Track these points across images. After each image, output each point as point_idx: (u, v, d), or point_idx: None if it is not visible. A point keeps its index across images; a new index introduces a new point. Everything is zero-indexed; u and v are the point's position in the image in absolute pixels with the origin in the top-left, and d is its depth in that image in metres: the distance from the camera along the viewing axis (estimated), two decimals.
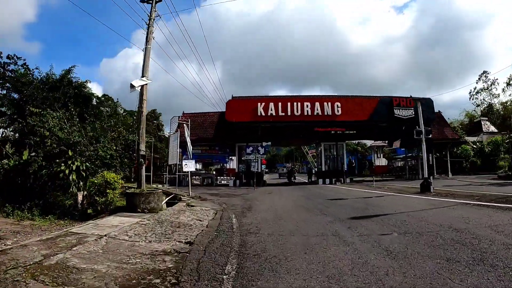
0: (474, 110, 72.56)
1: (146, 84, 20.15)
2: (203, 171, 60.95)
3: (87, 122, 22.24)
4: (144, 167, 19.01)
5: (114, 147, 19.93)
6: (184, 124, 22.53)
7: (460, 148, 49.24)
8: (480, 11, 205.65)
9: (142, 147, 18.97)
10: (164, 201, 17.20)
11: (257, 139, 36.48)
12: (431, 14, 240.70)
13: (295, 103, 36.03)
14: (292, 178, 47.72)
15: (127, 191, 15.78)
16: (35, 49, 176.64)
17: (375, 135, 43.21)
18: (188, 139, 22.36)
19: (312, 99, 37.02)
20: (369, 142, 70.73)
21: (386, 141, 58.23)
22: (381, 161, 66.13)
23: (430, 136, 39.58)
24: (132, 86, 19.45)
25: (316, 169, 47.27)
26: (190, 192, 21.04)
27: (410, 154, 64.06)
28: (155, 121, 58.44)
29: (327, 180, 37.03)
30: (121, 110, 51.14)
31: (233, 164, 70.83)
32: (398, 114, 36.61)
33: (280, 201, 18.36)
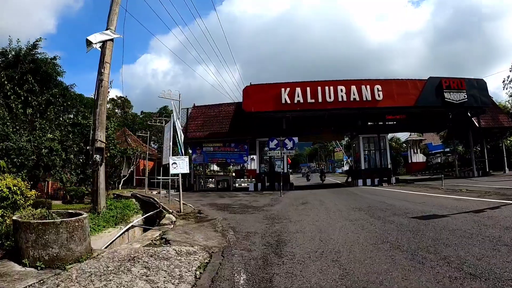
0: (508, 101, 62.32)
1: (111, 40, 12.41)
2: (221, 173, 53.49)
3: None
4: (102, 169, 11.09)
5: (60, 137, 11.90)
6: (172, 102, 14.11)
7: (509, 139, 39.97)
8: (498, 1, 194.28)
9: (101, 136, 11.30)
10: (117, 235, 9.11)
11: (281, 133, 28.48)
12: (448, 6, 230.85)
13: (326, 88, 28.64)
14: (323, 177, 46.69)
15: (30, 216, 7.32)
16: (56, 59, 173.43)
17: (421, 124, 34.30)
18: (177, 124, 14.17)
19: (347, 81, 29.29)
20: (403, 136, 62.79)
21: (421, 133, 51.87)
22: (418, 157, 57.33)
23: (484, 124, 32.13)
24: (88, 44, 12.03)
25: (351, 167, 39.08)
26: (182, 206, 13.41)
27: (448, 149, 56.18)
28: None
29: (368, 181, 29.36)
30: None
31: (254, 164, 63.39)
32: (449, 98, 29.13)
33: (330, 223, 10.02)
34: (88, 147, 11.90)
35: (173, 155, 14.02)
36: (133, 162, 30.09)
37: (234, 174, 47.27)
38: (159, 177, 20.56)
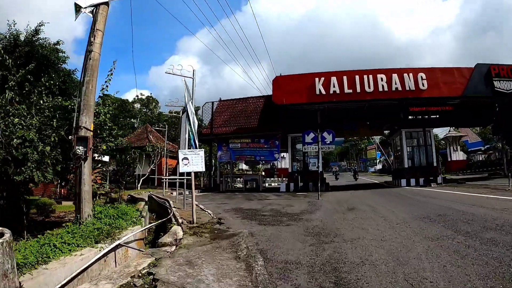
0: None
1: (106, 4, 9.39)
2: (249, 172, 50.21)
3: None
4: (87, 165, 8.13)
5: (39, 124, 8.93)
6: (184, 80, 10.89)
7: None
8: None
9: (86, 121, 8.36)
10: (92, 260, 5.87)
11: (314, 128, 25.34)
12: None
13: (365, 77, 25.09)
14: (356, 176, 46.96)
15: None
16: None
17: (467, 117, 30.24)
18: (189, 107, 10.88)
19: (388, 70, 25.75)
20: (441, 132, 58.41)
21: (461, 128, 48.67)
22: (458, 155, 52.88)
23: None
24: (78, 9, 8.99)
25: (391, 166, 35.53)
26: (195, 215, 10.10)
27: (488, 146, 52.27)
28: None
29: (412, 181, 25.68)
30: None
31: (285, 162, 59.97)
32: (499, 88, 25.03)
33: (405, 244, 6.81)
34: (70, 137, 8.82)
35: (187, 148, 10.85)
36: (154, 160, 27.16)
37: (263, 173, 44.02)
38: (175, 177, 17.57)
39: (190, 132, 10.50)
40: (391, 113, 26.97)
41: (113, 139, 11.10)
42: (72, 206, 16.33)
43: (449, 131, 52.33)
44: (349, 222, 9.52)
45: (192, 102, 11.06)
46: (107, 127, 10.52)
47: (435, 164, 27.19)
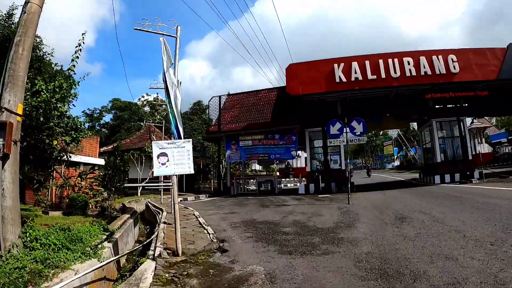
0: None
1: None
2: (263, 173, 46.72)
3: None
4: (10, 167, 4.76)
5: None
6: (162, 40, 7.33)
7: None
8: None
9: (11, 99, 4.70)
10: None
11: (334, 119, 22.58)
12: None
13: (390, 61, 21.97)
14: (370, 173, 48.92)
15: None
16: (97, 70, 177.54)
17: (504, 104, 26.61)
18: (169, 76, 7.30)
19: (415, 52, 22.52)
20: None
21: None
22: (483, 148, 49.10)
23: None
24: None
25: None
26: (179, 244, 6.75)
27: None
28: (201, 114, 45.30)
29: (447, 177, 22.38)
30: None
31: (301, 161, 56.43)
32: None
33: None
34: None
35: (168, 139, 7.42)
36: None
37: (278, 173, 40.63)
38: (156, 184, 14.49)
39: (170, 114, 7.20)
40: (420, 101, 23.57)
41: (70, 131, 7.90)
42: (59, 217, 13.00)
43: (472, 122, 48.65)
44: (415, 244, 6.29)
45: (175, 71, 7.70)
46: (56, 112, 7.28)
47: (470, 157, 23.86)
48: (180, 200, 20.72)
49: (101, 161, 19.49)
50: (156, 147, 6.63)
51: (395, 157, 77.93)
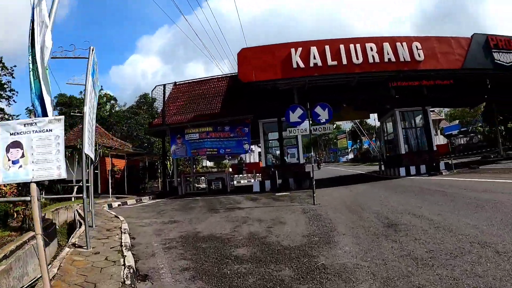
0: None
1: None
2: (215, 169, 43.80)
3: None
4: None
5: None
6: None
7: None
8: None
9: None
10: None
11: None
12: None
13: (352, 46, 20.16)
14: (320, 166, 51.84)
15: None
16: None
17: (466, 94, 25.31)
18: (41, 11, 4.53)
19: (378, 38, 20.75)
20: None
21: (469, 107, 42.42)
22: (439, 139, 48.95)
23: None
24: None
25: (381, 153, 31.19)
26: None
27: (465, 129, 49.62)
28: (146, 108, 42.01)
29: (412, 169, 21.19)
30: None
31: (254, 156, 54.03)
32: (499, 60, 21.24)
33: None
34: None
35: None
36: (95, 162, 20.73)
37: (230, 169, 37.97)
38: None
39: (31, 74, 4.45)
40: (383, 91, 21.79)
41: None
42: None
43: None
44: (440, 273, 4.00)
45: (86, 92, 5.09)
46: None
47: (434, 148, 22.64)
48: (118, 205, 17.80)
49: None
50: (3, 131, 3.91)
51: (349, 150, 77.65)
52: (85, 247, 6.76)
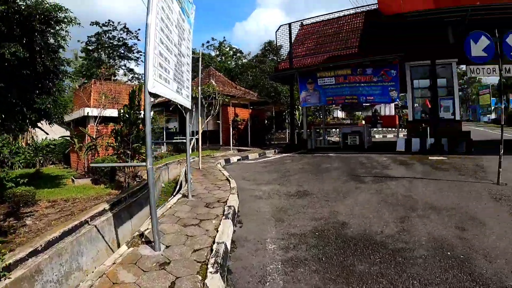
0: None
1: None
2: (347, 121, 39.64)
3: None
4: None
5: None
6: None
7: None
8: None
9: None
10: None
11: (444, 52, 16.35)
12: None
13: None
14: None
15: None
16: None
17: None
18: None
19: None
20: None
21: None
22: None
23: None
24: None
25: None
26: None
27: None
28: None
29: None
30: None
31: (389, 108, 48.62)
32: None
33: None
34: None
35: None
36: (213, 110, 18.65)
37: (363, 122, 33.90)
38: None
39: None
40: None
41: None
42: (80, 188, 10.29)
43: None
44: None
45: None
46: None
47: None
48: (238, 160, 15.49)
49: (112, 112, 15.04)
50: None
51: (492, 108, 65.77)
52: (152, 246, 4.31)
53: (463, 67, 24.57)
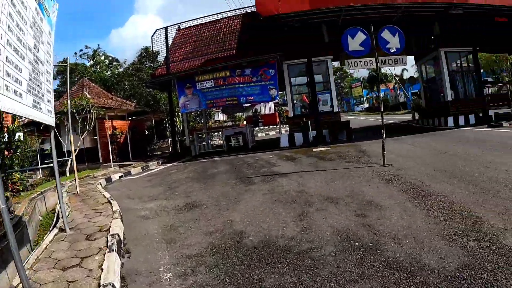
0: None
1: None
2: (228, 123, 39.71)
3: None
4: None
5: None
6: None
7: None
8: None
9: None
10: None
11: (320, 50, 17.79)
12: None
13: None
14: None
15: None
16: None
17: None
18: None
19: None
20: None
21: None
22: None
23: None
24: None
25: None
26: None
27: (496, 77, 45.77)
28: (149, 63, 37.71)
29: (461, 119, 17.99)
30: None
31: (268, 107, 49.88)
32: None
33: None
34: None
35: None
36: (88, 125, 16.83)
37: (245, 122, 34.18)
38: None
39: None
40: (426, 28, 18.81)
41: None
42: None
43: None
44: None
45: None
46: None
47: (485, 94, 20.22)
48: (120, 177, 14.12)
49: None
50: None
51: (364, 99, 74.34)
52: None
53: (336, 64, 26.43)
